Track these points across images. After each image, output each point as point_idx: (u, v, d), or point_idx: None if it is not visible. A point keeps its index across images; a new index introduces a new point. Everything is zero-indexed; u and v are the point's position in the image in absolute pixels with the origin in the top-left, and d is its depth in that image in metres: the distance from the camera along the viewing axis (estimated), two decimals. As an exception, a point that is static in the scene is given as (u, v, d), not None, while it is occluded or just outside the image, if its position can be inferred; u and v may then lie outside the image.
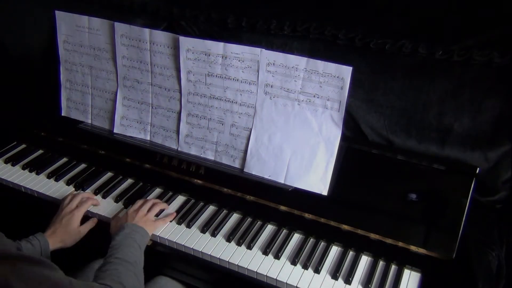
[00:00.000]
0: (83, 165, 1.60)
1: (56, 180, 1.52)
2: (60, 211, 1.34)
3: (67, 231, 1.30)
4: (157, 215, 1.36)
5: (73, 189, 1.50)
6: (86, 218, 1.37)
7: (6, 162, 1.60)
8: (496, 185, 1.26)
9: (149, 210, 1.33)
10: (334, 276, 1.19)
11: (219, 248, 1.27)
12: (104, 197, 1.45)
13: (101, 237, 1.30)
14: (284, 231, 1.33)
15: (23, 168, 1.58)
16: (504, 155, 1.23)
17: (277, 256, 1.24)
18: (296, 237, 1.31)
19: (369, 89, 1.32)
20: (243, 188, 1.37)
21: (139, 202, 1.36)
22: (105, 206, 1.42)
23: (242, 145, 1.37)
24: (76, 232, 1.31)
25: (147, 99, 1.48)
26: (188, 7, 1.50)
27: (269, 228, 1.34)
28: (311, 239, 1.30)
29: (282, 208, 1.33)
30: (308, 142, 1.28)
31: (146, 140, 1.51)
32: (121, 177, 1.53)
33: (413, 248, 1.19)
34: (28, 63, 1.74)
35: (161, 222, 1.32)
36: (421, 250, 1.18)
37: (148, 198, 1.44)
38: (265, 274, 1.20)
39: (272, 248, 1.27)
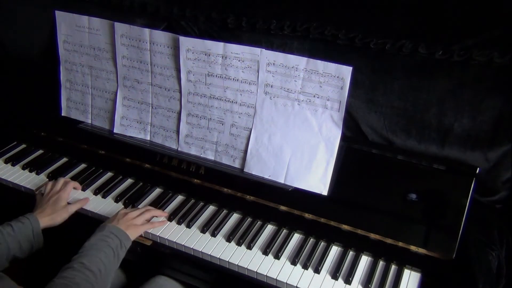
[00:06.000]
0: (83, 165, 1.60)
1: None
2: (45, 195, 1.37)
3: (55, 209, 1.32)
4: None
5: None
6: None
7: (6, 162, 1.60)
8: (496, 185, 1.26)
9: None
10: (334, 276, 1.19)
11: (219, 248, 1.27)
12: (104, 196, 1.45)
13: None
14: (284, 231, 1.33)
15: (23, 168, 1.58)
16: (504, 155, 1.23)
17: (277, 256, 1.24)
18: (296, 237, 1.31)
19: (369, 89, 1.32)
20: (243, 188, 1.37)
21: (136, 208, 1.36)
22: (105, 206, 1.42)
23: (242, 145, 1.37)
24: (65, 209, 1.34)
25: (147, 99, 1.48)
26: (188, 7, 1.50)
27: (269, 228, 1.34)
28: (311, 239, 1.30)
29: (282, 208, 1.33)
30: (308, 142, 1.28)
31: (146, 140, 1.51)
32: (121, 177, 1.53)
33: (413, 248, 1.19)
34: (28, 63, 1.74)
35: (149, 226, 1.30)
36: (421, 250, 1.18)
37: (147, 197, 1.45)
38: (265, 274, 1.20)
39: (272, 248, 1.27)
